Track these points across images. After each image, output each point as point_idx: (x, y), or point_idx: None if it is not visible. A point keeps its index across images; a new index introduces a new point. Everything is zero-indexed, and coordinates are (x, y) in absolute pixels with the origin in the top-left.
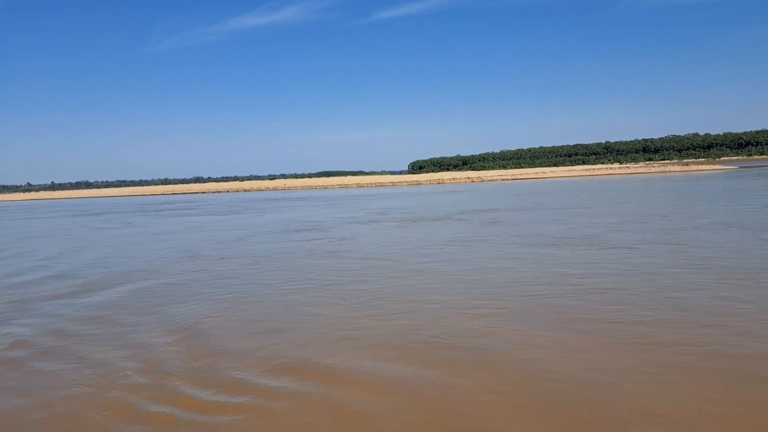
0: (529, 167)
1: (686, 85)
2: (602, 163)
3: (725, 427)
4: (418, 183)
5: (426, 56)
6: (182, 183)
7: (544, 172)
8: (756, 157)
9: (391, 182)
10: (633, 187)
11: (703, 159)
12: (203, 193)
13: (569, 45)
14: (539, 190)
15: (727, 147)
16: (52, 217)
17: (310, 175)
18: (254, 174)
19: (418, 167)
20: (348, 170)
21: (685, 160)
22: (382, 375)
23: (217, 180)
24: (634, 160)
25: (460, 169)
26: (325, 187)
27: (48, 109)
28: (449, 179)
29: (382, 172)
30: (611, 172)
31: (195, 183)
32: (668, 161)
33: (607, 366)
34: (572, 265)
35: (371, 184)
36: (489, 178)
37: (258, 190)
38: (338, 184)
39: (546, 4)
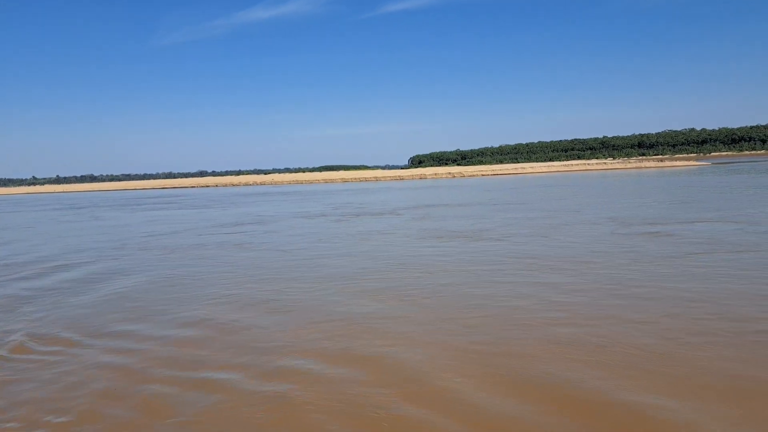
0: (526, 162)
1: (686, 82)
2: (597, 158)
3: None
4: (401, 178)
5: (428, 50)
6: (186, 177)
7: (524, 168)
8: (746, 152)
9: (375, 177)
10: (593, 183)
11: (694, 154)
12: (193, 187)
13: (570, 42)
14: (509, 186)
15: (721, 142)
16: (35, 210)
17: (312, 170)
18: (258, 168)
19: (417, 161)
20: (350, 164)
21: (659, 156)
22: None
23: (219, 174)
24: (628, 156)
25: (458, 164)
26: (311, 182)
27: (53, 103)
28: (431, 174)
29: (386, 167)
30: (588, 168)
31: (199, 177)
32: (645, 157)
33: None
34: (425, 255)
35: (356, 179)
36: (469, 174)
37: (246, 184)
38: (323, 179)
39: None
